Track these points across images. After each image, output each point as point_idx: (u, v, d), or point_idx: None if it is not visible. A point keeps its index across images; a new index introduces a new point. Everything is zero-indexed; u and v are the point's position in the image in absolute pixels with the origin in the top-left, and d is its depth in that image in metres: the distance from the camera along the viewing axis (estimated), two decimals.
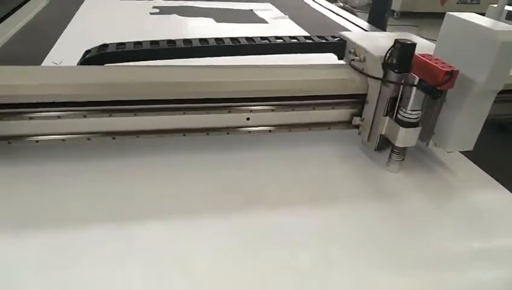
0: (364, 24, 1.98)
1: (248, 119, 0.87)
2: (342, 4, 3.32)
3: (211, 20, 1.78)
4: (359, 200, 0.80)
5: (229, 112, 0.85)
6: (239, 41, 0.92)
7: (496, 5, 3.04)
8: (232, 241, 0.68)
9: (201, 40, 0.93)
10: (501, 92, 0.90)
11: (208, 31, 1.65)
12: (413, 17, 5.39)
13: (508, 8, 3.05)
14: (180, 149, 0.89)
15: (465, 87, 0.77)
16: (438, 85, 0.71)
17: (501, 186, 0.86)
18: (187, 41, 0.92)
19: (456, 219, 0.77)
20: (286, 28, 1.78)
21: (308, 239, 0.70)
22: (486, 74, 0.74)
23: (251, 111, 0.87)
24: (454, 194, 0.84)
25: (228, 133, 0.87)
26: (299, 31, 1.73)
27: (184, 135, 0.85)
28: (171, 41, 0.92)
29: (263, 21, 1.86)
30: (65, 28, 1.52)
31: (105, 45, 0.91)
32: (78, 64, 0.88)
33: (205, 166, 0.85)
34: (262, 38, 0.95)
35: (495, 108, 0.96)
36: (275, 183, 0.83)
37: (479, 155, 0.92)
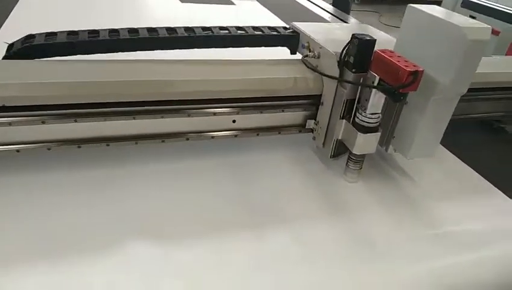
0: (330, 8, 1.94)
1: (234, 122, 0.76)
2: None
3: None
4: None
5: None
6: (176, 32, 0.79)
7: None
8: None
9: (131, 30, 0.78)
10: (487, 90, 0.88)
11: (167, 12, 1.53)
12: (373, 3, 5.37)
13: None
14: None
15: (428, 89, 0.69)
16: (400, 87, 0.63)
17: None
18: (114, 31, 0.77)
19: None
20: (252, 10, 1.72)
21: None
22: (452, 75, 0.66)
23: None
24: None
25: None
26: (266, 14, 1.66)
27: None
28: (114, 31, 0.77)
29: (230, 2, 1.77)
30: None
31: (31, 36, 0.75)
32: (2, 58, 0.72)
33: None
34: (204, 29, 0.82)
35: (483, 106, 0.94)
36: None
37: (467, 155, 0.89)
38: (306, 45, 0.82)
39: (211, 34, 0.82)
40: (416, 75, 0.62)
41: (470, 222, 0.74)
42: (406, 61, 0.65)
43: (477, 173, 0.86)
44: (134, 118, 0.71)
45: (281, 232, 0.65)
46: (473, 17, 2.89)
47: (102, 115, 0.69)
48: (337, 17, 1.82)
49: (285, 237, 0.65)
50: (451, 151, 0.91)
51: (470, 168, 0.87)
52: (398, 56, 0.66)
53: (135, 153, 0.77)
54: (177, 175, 0.75)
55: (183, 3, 1.68)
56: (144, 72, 0.72)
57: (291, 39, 0.86)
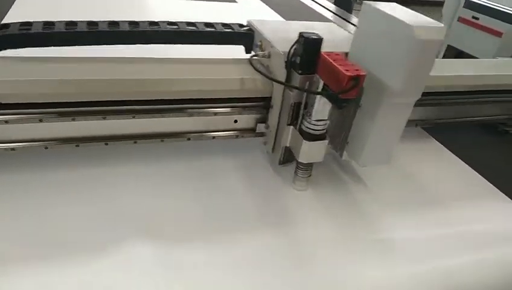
0: (333, 7, 1.91)
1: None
2: None
3: None
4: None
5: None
6: (118, 26, 0.75)
7: None
8: None
9: (89, 23, 0.74)
10: (489, 92, 0.89)
11: (169, 9, 1.51)
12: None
13: None
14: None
15: (379, 93, 0.64)
16: (340, 93, 0.57)
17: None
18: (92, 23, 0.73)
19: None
20: (254, 8, 1.69)
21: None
22: (402, 78, 0.61)
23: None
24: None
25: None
26: (267, 12, 1.63)
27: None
28: (92, 23, 0.73)
29: (232, 0, 1.75)
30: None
31: (4, 25, 0.71)
32: None
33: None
34: (150, 23, 0.77)
35: (485, 109, 0.95)
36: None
37: (472, 157, 0.88)
38: (259, 44, 0.77)
39: (157, 29, 0.77)
40: (357, 81, 0.56)
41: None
42: (353, 65, 0.60)
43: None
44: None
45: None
46: (476, 18, 2.82)
47: (101, 113, 0.66)
48: (340, 16, 1.77)
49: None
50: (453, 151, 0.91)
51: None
52: (344, 59, 0.61)
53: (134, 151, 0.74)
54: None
55: (186, 0, 1.65)
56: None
57: (245, 37, 0.80)
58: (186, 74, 0.71)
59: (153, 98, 0.69)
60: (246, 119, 0.77)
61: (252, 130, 0.78)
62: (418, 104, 0.67)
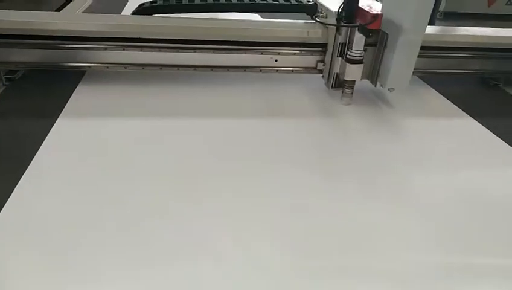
0: None
1: (276, 61, 1.14)
2: None
3: None
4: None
5: (246, 52, 1.12)
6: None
7: None
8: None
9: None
10: (483, 50, 1.20)
11: None
12: (457, 19, 5.39)
13: None
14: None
15: (398, 33, 1.00)
16: (366, 24, 0.95)
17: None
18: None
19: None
20: None
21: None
22: (411, 19, 0.97)
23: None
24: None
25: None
26: None
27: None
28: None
29: None
30: None
31: (154, 1, 1.20)
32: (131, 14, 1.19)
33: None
34: None
35: (479, 64, 1.24)
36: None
37: (467, 105, 1.17)
38: (320, 10, 1.17)
39: (254, 2, 1.20)
40: (376, 17, 0.94)
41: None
42: (375, 10, 0.98)
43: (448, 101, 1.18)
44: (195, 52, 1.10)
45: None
46: None
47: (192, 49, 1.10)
48: None
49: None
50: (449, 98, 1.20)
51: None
52: (371, 8, 0.99)
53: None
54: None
55: None
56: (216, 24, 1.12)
57: (310, 7, 1.21)
58: (275, 28, 1.12)
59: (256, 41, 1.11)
60: (310, 60, 1.16)
61: (314, 68, 1.17)
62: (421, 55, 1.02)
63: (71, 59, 1.09)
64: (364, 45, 1.05)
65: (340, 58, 1.08)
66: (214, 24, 1.11)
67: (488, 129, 1.05)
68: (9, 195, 0.70)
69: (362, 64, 1.06)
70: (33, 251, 0.61)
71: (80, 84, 1.11)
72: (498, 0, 4.69)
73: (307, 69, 1.17)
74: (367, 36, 0.99)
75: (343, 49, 1.07)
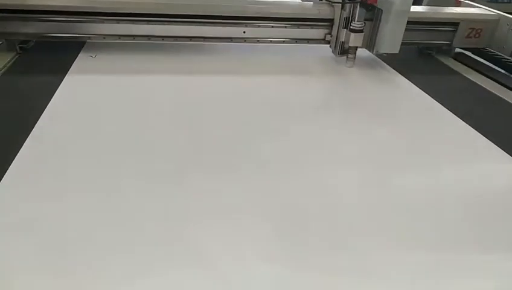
0: None
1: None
2: None
3: None
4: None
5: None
6: None
7: None
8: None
9: None
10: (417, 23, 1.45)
11: None
12: None
13: None
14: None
15: (389, 8, 1.29)
16: (366, 0, 1.24)
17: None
18: None
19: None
20: None
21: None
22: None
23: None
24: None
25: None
26: None
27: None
28: None
29: None
30: None
31: None
32: None
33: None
34: None
35: (415, 36, 1.50)
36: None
37: (403, 68, 1.44)
38: None
39: None
40: None
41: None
42: None
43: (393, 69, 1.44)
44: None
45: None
46: None
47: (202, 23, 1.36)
48: None
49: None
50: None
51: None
52: None
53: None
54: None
55: None
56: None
57: None
58: (292, 7, 1.41)
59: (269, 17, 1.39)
60: (319, 33, 1.45)
61: (323, 40, 1.46)
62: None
63: (73, 31, 1.33)
64: (364, 20, 1.34)
65: (345, 29, 1.37)
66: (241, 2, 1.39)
67: (415, 85, 1.31)
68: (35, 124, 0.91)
69: (363, 34, 1.34)
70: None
71: (81, 52, 1.35)
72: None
73: (318, 40, 1.46)
74: (367, 10, 1.28)
75: (347, 22, 1.36)
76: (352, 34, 1.34)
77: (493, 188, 0.85)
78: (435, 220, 0.74)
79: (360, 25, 1.33)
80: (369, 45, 1.41)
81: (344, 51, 1.41)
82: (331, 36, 1.44)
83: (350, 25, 1.34)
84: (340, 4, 1.35)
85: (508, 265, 0.67)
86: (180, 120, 1.01)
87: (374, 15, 1.36)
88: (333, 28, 1.42)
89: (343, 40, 1.39)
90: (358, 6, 1.30)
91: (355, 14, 1.32)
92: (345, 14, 1.35)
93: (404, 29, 1.33)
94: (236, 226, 0.68)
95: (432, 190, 0.83)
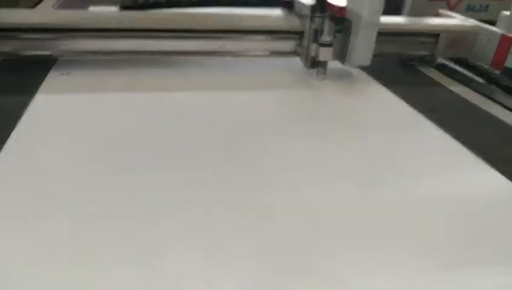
0: None
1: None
2: None
3: None
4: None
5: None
6: None
7: (508, 13, 2.98)
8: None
9: None
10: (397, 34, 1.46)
11: None
12: None
13: None
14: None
15: (359, 21, 1.26)
16: (334, 14, 1.21)
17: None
18: None
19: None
20: None
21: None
22: (367, 10, 1.23)
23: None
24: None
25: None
26: None
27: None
28: None
29: None
30: None
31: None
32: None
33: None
34: None
35: (395, 47, 1.49)
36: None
37: (386, 79, 1.43)
38: (296, 4, 1.43)
39: None
40: (341, 8, 1.20)
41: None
42: (340, 2, 1.24)
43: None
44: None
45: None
46: None
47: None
48: None
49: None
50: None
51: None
52: (337, 3, 1.25)
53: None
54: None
55: None
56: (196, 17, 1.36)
57: (288, 3, 1.47)
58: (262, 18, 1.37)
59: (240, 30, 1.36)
60: (290, 45, 1.42)
61: (294, 52, 1.42)
62: None
63: (43, 48, 1.27)
64: (334, 32, 1.31)
65: (314, 43, 1.34)
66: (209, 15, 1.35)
67: (394, 94, 1.32)
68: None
69: (332, 48, 1.32)
70: None
71: (52, 69, 1.28)
72: (459, 6, 4.84)
73: (289, 53, 1.43)
74: (335, 23, 1.25)
75: (316, 36, 1.33)
76: (321, 48, 1.31)
77: (475, 198, 0.86)
78: (420, 232, 0.74)
79: (329, 39, 1.30)
80: (341, 57, 1.38)
81: (314, 64, 1.38)
82: (301, 49, 1.41)
83: (319, 39, 1.31)
84: (309, 17, 1.32)
85: (493, 280, 0.66)
86: (149, 138, 0.97)
87: (344, 27, 1.33)
88: (303, 40, 1.39)
89: (312, 54, 1.36)
90: (327, 20, 1.27)
91: (324, 28, 1.29)
92: (314, 27, 1.32)
93: (374, 41, 1.31)
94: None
95: (413, 201, 0.83)
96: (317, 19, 1.30)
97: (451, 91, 1.40)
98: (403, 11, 1.87)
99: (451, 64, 1.60)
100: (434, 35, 1.51)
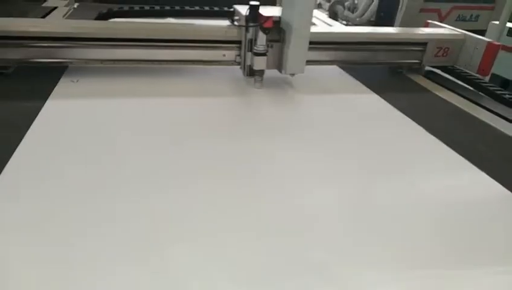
0: None
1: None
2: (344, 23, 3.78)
3: None
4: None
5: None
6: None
7: (497, 22, 2.93)
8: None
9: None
10: (386, 44, 1.56)
11: None
12: None
13: (509, 25, 2.96)
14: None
15: (290, 30, 1.30)
16: (262, 23, 1.24)
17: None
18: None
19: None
20: None
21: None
22: (297, 20, 1.27)
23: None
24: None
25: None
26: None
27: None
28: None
29: None
30: None
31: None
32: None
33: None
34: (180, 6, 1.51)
35: (385, 56, 1.59)
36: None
37: (379, 87, 1.49)
38: (236, 15, 1.46)
39: (188, 9, 1.50)
40: (268, 18, 1.24)
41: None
42: (271, 13, 1.27)
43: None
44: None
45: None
46: None
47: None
48: None
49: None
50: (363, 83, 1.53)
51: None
52: (268, 15, 1.28)
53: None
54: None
55: None
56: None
57: (229, 13, 1.50)
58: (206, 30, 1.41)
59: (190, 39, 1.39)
60: (231, 55, 1.45)
61: (234, 61, 1.46)
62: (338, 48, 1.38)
63: (54, 56, 1.35)
64: (270, 41, 1.35)
65: (250, 52, 1.37)
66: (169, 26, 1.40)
67: (386, 101, 1.38)
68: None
69: (266, 56, 1.35)
70: None
71: (62, 76, 1.36)
72: (449, 17, 4.79)
73: (230, 62, 1.46)
74: (265, 33, 1.28)
75: (251, 45, 1.36)
76: (255, 57, 1.34)
77: (463, 200, 0.91)
78: (409, 235, 0.78)
79: (262, 48, 1.33)
80: (279, 65, 1.41)
81: (252, 72, 1.41)
82: (240, 58, 1.44)
83: (253, 48, 1.34)
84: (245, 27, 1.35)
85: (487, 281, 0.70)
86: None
87: (280, 36, 1.36)
88: (241, 50, 1.42)
89: (249, 63, 1.39)
90: (259, 32, 1.30)
91: (257, 37, 1.32)
92: (249, 37, 1.35)
93: (306, 50, 1.34)
94: None
95: (402, 203, 0.88)
96: (251, 29, 1.33)
97: (436, 96, 1.48)
98: (395, 22, 1.91)
99: (439, 72, 1.68)
100: (421, 44, 1.60)
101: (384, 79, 1.63)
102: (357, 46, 1.55)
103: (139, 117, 1.17)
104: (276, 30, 1.36)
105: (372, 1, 3.56)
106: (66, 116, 1.13)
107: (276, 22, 1.35)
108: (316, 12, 2.76)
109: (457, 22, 5.90)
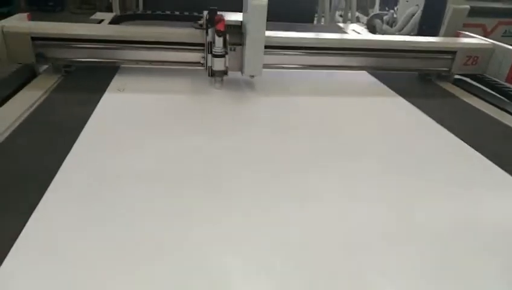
0: None
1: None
2: None
3: None
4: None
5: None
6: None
7: None
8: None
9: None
10: (416, 52, 1.63)
11: None
12: None
13: None
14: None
15: (246, 34, 1.36)
16: (215, 25, 1.32)
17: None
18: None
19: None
20: None
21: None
22: (252, 24, 1.33)
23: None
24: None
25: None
26: None
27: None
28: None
29: None
30: None
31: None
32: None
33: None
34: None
35: (415, 63, 1.67)
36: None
37: (407, 91, 1.58)
38: (202, 21, 1.54)
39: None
40: (220, 20, 1.31)
41: None
42: (225, 20, 1.34)
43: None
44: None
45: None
46: None
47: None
48: None
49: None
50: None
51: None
52: (224, 20, 1.35)
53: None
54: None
55: None
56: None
57: (195, 18, 1.59)
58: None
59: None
60: (196, 57, 1.53)
61: (199, 63, 1.53)
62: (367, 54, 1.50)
63: (109, 56, 1.51)
64: (233, 44, 1.42)
65: (210, 54, 1.44)
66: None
67: (415, 106, 1.45)
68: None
69: (224, 58, 1.42)
70: None
71: (116, 74, 1.54)
72: (495, 32, 4.59)
73: (196, 64, 1.54)
74: (218, 36, 1.35)
75: (210, 47, 1.43)
76: (214, 59, 1.41)
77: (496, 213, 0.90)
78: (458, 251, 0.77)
79: (219, 50, 1.40)
80: (241, 67, 1.47)
81: (213, 73, 1.48)
82: (204, 59, 1.51)
83: (213, 51, 1.41)
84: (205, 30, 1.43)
85: None
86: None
87: (242, 40, 1.43)
88: (204, 52, 1.50)
89: (209, 64, 1.46)
90: (216, 35, 1.37)
91: (215, 40, 1.40)
92: (208, 39, 1.42)
93: (262, 53, 1.40)
94: None
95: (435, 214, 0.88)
96: (210, 31, 1.41)
97: (465, 102, 1.54)
98: (439, 34, 1.96)
99: (468, 80, 1.74)
100: (451, 52, 1.67)
101: (413, 85, 1.70)
102: (387, 52, 1.63)
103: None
104: (238, 34, 1.44)
105: (413, 15, 3.46)
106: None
107: (237, 26, 1.43)
108: (355, 26, 2.87)
109: (504, 37, 5.50)
